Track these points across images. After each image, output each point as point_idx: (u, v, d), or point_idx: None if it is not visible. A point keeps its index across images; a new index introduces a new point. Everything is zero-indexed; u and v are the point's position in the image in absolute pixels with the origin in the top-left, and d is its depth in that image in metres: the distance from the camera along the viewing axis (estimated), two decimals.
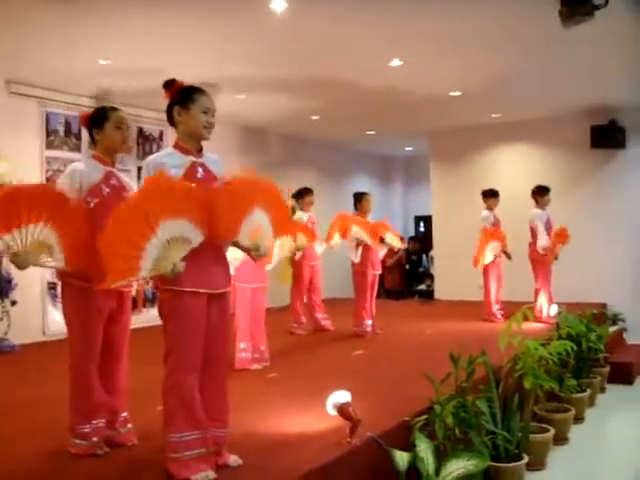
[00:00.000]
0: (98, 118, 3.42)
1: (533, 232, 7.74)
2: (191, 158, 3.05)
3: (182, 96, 3.06)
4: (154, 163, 2.99)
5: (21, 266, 3.05)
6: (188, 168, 3.01)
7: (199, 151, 3.11)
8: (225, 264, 3.14)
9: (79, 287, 3.25)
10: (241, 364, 5.30)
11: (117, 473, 3.06)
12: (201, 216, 2.86)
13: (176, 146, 3.09)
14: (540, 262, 7.71)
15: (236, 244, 3.08)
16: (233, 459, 3.05)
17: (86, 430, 3.27)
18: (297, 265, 7.33)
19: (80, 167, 3.35)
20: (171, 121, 3.11)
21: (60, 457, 3.25)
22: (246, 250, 3.09)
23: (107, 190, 3.33)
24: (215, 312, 3.01)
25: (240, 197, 3.01)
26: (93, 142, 3.46)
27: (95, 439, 3.28)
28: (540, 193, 7.83)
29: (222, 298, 3.06)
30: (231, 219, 2.96)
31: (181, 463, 2.87)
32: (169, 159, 3.02)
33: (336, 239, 6.94)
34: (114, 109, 3.46)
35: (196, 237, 2.85)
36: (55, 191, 3.25)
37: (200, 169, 3.05)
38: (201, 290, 2.93)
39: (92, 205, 3.27)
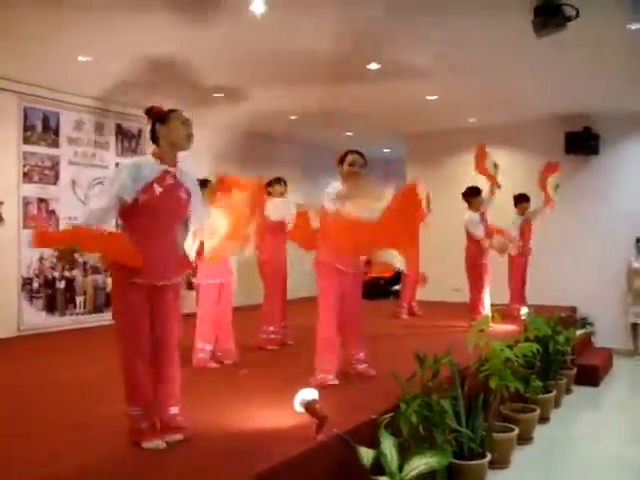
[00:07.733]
0: None
1: (468, 236, 7.53)
2: (163, 167, 3.38)
3: (162, 115, 3.44)
4: (127, 166, 3.32)
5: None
6: (159, 175, 3.34)
7: (174, 162, 3.44)
8: (175, 255, 3.42)
9: None
10: (198, 363, 5.35)
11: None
12: None
13: (153, 154, 3.44)
14: (472, 266, 7.48)
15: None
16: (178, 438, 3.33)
17: None
18: None
19: None
20: (154, 139, 3.46)
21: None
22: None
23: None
24: (159, 301, 3.30)
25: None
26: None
27: None
28: (472, 194, 7.53)
29: (167, 288, 3.33)
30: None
31: (138, 432, 3.26)
32: (142, 164, 3.36)
33: None
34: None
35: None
36: None
37: (168, 177, 3.37)
38: (138, 281, 3.20)
39: None
